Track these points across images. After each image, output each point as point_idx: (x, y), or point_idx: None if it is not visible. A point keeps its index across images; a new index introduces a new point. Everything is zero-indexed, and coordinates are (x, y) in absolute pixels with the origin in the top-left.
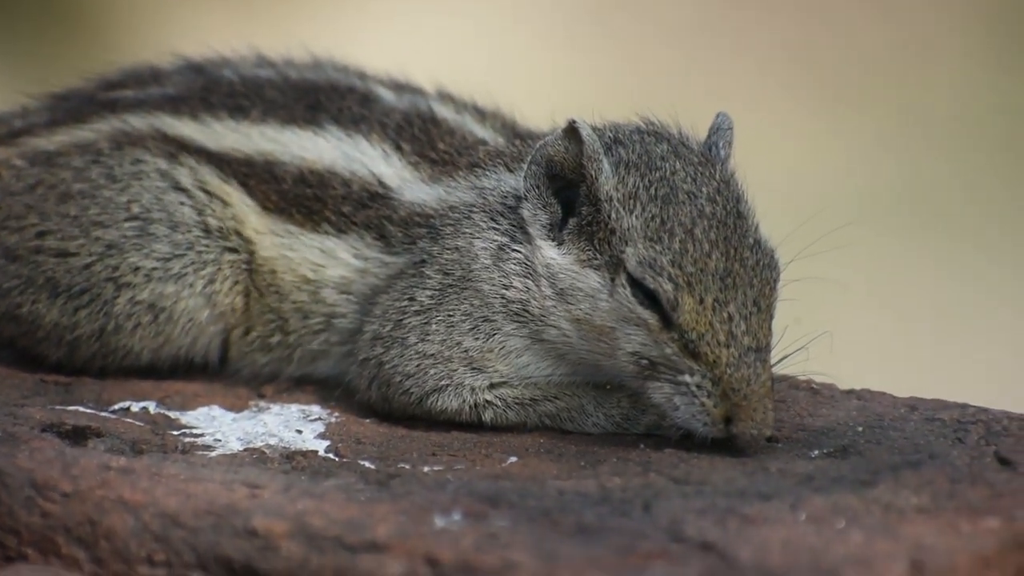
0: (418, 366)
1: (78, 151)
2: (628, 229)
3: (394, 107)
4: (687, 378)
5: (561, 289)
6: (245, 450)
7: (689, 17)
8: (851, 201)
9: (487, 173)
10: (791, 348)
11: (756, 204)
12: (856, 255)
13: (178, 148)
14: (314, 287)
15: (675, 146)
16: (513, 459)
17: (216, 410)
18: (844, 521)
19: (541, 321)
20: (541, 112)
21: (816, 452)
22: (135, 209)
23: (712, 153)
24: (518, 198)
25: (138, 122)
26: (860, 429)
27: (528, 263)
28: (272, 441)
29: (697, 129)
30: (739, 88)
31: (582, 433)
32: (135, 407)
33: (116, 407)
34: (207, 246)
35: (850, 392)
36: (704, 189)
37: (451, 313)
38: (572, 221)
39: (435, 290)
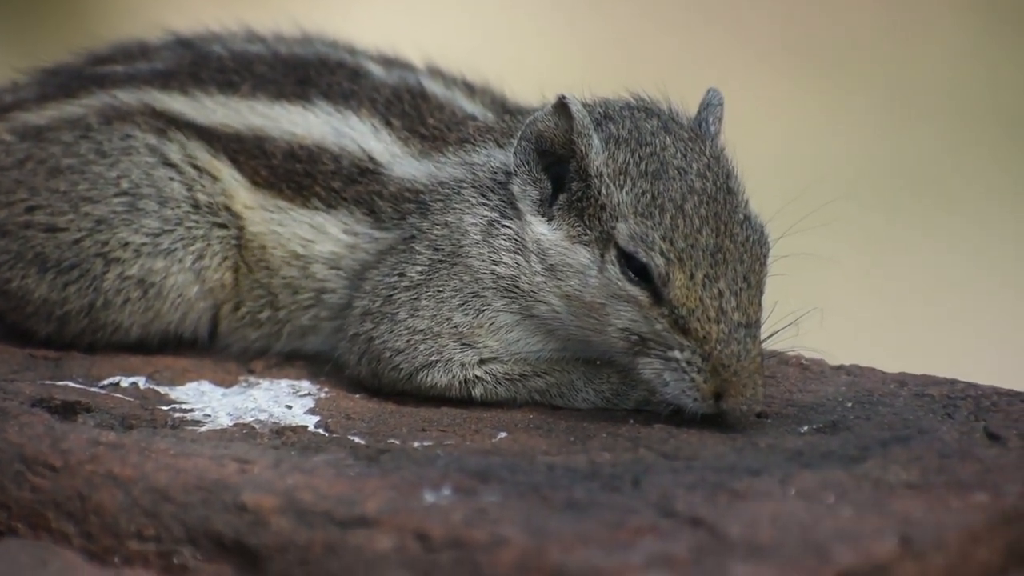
0: (408, 341)
1: (67, 126)
2: (618, 205)
3: (384, 82)
4: (677, 354)
5: (551, 265)
6: (235, 425)
7: None
8: (841, 176)
9: (477, 149)
10: (781, 324)
11: (746, 180)
12: (846, 231)
13: (167, 123)
14: (304, 262)
15: (665, 122)
16: (503, 434)
17: (206, 385)
18: (833, 496)
19: (531, 297)
20: (531, 88)
21: (805, 428)
22: (124, 184)
23: (702, 129)
24: (508, 174)
25: (127, 97)
26: (849, 405)
27: (518, 239)
28: (262, 416)
29: (687, 105)
30: (729, 64)
31: (572, 408)
32: (125, 382)
33: (106, 382)
34: (196, 221)
35: (839, 368)
36: (694, 165)
37: (441, 289)
38: (562, 197)
39: (425, 266)
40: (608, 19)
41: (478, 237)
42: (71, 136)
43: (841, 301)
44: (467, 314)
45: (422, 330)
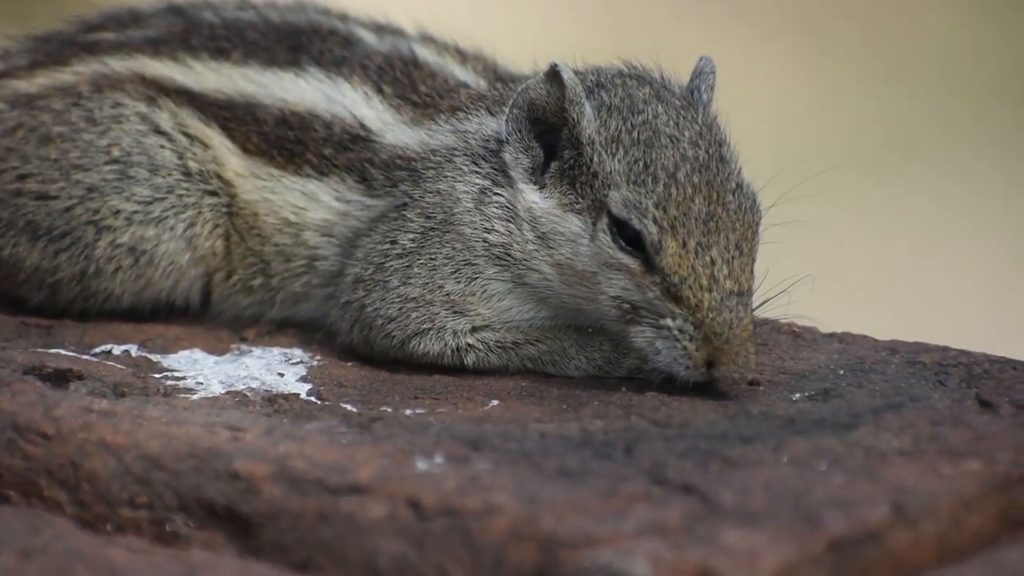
0: (400, 309)
1: (58, 94)
2: (611, 173)
3: (375, 49)
4: (669, 322)
5: (543, 233)
6: (227, 393)
7: None
8: (833, 144)
9: (469, 116)
10: (773, 291)
11: (738, 148)
12: (837, 198)
13: (158, 91)
14: (296, 229)
15: (657, 90)
16: (495, 402)
17: (198, 353)
18: (826, 464)
19: (523, 265)
20: (523, 55)
21: (798, 395)
22: (115, 152)
23: (694, 97)
24: (500, 142)
25: (118, 65)
26: (842, 372)
27: (510, 207)
28: (254, 384)
29: (679, 73)
30: (721, 32)
31: (564, 376)
32: (117, 350)
33: (98, 350)
34: (187, 189)
35: (831, 335)
36: (686, 133)
37: (433, 256)
38: (554, 165)
39: (417, 233)
40: None
41: (470, 205)
42: (62, 104)
43: (833, 268)
44: (459, 282)
45: (414, 298)
